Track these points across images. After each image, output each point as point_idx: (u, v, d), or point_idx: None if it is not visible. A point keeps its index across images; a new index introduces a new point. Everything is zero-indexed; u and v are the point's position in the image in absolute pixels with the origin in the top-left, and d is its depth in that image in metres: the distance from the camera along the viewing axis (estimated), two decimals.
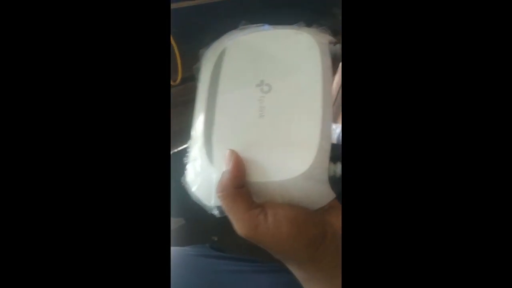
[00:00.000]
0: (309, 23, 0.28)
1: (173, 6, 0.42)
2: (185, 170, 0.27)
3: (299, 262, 0.24)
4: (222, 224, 0.26)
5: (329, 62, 0.25)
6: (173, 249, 0.45)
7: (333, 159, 0.25)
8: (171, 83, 0.42)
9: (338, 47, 0.26)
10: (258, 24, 0.29)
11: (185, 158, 0.27)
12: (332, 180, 0.24)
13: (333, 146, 0.24)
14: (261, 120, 0.25)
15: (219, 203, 0.24)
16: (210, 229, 0.83)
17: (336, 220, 0.25)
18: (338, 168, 0.24)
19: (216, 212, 0.25)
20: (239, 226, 0.22)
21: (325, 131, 0.24)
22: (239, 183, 0.23)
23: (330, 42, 0.27)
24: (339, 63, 0.27)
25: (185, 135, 0.28)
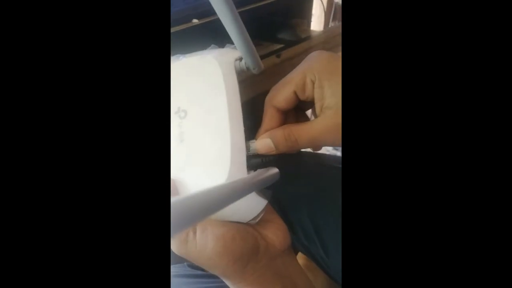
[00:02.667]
0: (221, 45, 0.30)
1: None
2: None
3: (228, 277, 0.25)
4: None
5: (233, 79, 0.26)
6: None
7: (252, 167, 0.26)
8: None
9: (243, 61, 0.27)
10: (174, 55, 0.29)
11: None
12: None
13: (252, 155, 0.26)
14: (182, 144, 0.26)
15: None
16: None
17: (270, 233, 0.27)
18: None
19: None
20: (172, 243, 0.24)
21: (236, 145, 0.25)
22: None
23: (237, 59, 0.27)
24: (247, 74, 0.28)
25: None
